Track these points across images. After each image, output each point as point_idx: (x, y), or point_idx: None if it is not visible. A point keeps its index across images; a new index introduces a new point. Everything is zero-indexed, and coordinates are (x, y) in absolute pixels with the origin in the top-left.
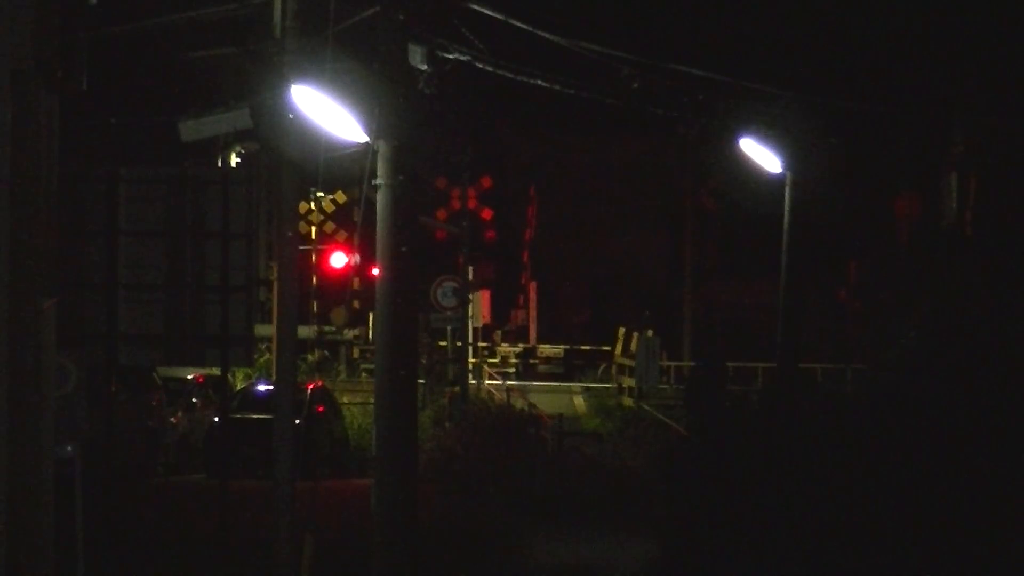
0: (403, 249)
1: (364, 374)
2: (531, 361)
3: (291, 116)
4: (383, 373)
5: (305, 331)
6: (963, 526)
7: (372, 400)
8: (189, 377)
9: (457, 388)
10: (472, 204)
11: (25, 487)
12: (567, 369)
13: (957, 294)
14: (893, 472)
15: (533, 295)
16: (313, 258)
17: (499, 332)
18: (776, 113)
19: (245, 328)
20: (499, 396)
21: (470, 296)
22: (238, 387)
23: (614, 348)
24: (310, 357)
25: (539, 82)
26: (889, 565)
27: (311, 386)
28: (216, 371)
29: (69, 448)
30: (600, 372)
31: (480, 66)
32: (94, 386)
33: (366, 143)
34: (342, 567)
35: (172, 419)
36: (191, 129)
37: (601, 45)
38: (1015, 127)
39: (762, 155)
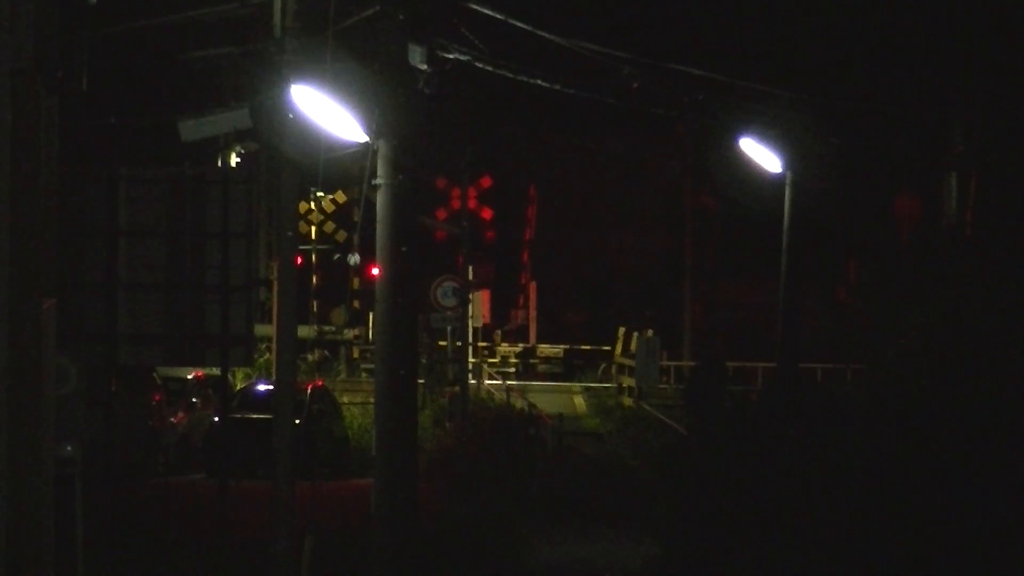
0: (403, 249)
1: (364, 374)
2: (531, 361)
3: (291, 116)
4: (383, 373)
5: (305, 331)
6: (962, 525)
7: (372, 400)
8: (189, 377)
9: (457, 388)
10: (472, 204)
11: (25, 487)
12: (567, 369)
13: (957, 294)
14: (893, 472)
15: (533, 295)
16: (313, 258)
17: (499, 332)
18: (776, 113)
19: (245, 328)
20: (499, 396)
21: (470, 296)
22: (238, 387)
23: (614, 348)
24: (310, 357)
25: (539, 82)
26: (889, 564)
27: (311, 386)
28: (216, 371)
29: (69, 448)
30: (600, 372)
31: (480, 66)
32: (94, 386)
33: (366, 143)
34: (342, 567)
35: (172, 419)
36: (191, 129)
37: (601, 45)
38: (1015, 127)
39: (762, 155)
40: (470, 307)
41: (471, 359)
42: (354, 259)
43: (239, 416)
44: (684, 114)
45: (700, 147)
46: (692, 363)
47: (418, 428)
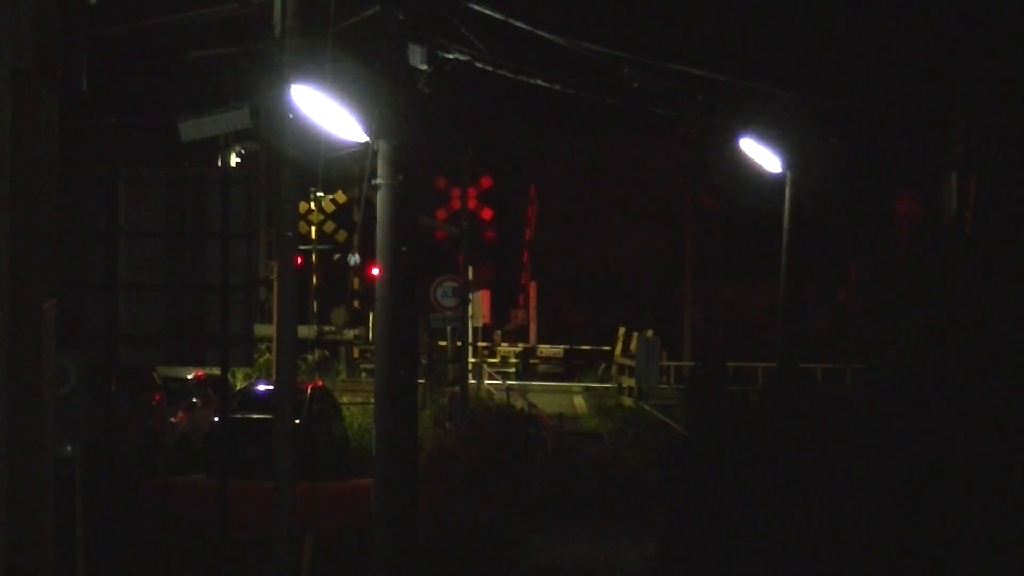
0: (403, 249)
1: (364, 374)
2: (531, 361)
3: (291, 116)
4: (383, 373)
5: (305, 331)
6: (962, 525)
7: (372, 400)
8: (189, 377)
9: (457, 388)
10: (472, 204)
11: (25, 487)
12: (567, 369)
13: (957, 294)
14: (892, 471)
15: (533, 295)
16: (314, 258)
17: (499, 332)
18: (776, 113)
19: (245, 328)
20: (499, 396)
21: (470, 296)
22: (238, 387)
23: (614, 348)
24: (310, 357)
25: (539, 82)
26: (888, 565)
27: (311, 386)
28: (216, 371)
29: (69, 448)
30: (600, 372)
31: (480, 66)
32: (94, 386)
33: (366, 143)
34: (342, 567)
35: (172, 419)
36: (191, 129)
37: (601, 45)
38: (1015, 127)
39: (762, 155)
40: (470, 307)
41: (471, 359)
42: (354, 259)
43: (239, 416)
44: (684, 114)
45: (700, 147)
46: (692, 363)
47: (418, 428)
